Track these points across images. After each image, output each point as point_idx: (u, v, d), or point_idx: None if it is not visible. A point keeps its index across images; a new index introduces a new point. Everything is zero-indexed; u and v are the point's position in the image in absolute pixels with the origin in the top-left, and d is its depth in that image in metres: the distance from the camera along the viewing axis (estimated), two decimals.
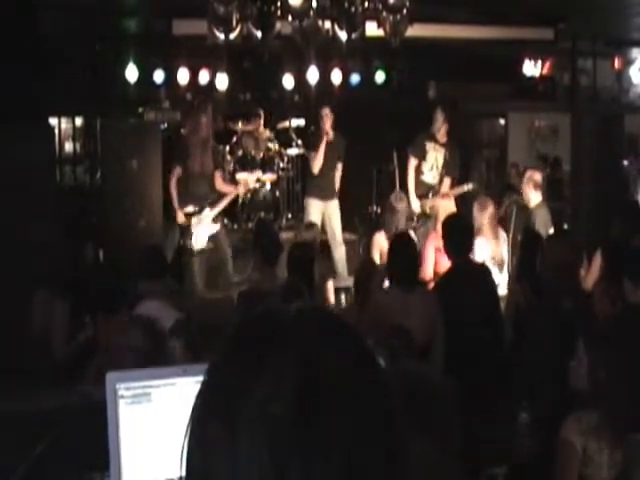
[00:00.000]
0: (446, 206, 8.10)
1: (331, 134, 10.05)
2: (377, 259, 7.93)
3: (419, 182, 9.78)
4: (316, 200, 10.13)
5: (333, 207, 10.08)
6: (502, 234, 8.16)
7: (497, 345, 5.64)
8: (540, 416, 4.86)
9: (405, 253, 5.79)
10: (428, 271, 7.50)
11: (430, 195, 9.72)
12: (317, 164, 10.02)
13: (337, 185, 10.17)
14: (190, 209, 9.38)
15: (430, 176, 9.84)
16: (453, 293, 5.76)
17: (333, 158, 10.07)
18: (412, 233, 8.32)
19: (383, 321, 5.41)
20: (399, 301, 5.56)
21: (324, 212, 10.02)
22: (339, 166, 10.13)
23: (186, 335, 4.29)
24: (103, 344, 5.70)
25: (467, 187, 9.80)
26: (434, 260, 7.58)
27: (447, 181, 9.78)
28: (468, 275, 5.94)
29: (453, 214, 7.53)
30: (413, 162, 9.82)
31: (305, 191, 10.64)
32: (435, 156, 9.81)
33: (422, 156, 9.79)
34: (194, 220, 9.35)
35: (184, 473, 0.96)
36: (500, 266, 7.67)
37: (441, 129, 9.76)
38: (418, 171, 9.82)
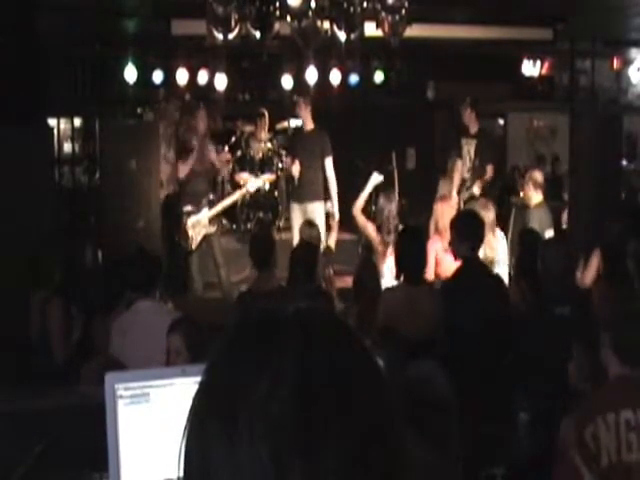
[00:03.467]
0: (447, 208, 8.09)
1: (310, 125, 9.84)
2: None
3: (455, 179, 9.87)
4: (296, 204, 9.69)
5: (314, 209, 9.56)
6: (499, 234, 8.16)
7: (500, 344, 5.64)
8: (539, 416, 4.87)
9: (412, 248, 5.79)
10: (429, 272, 7.51)
11: (466, 189, 9.74)
12: (294, 168, 9.70)
13: (331, 182, 9.65)
14: (189, 208, 9.41)
15: (464, 170, 9.90)
16: (461, 290, 5.75)
17: (315, 155, 9.67)
18: None
19: (391, 317, 5.43)
20: (406, 296, 5.58)
21: (306, 215, 9.43)
22: (328, 162, 9.65)
23: (186, 333, 4.29)
24: (101, 344, 5.72)
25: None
26: (436, 261, 7.58)
27: (489, 169, 9.74)
28: (477, 273, 5.93)
29: (466, 211, 7.54)
30: (459, 164, 9.89)
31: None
32: (467, 149, 9.90)
33: (460, 155, 9.86)
34: (191, 219, 9.39)
35: (182, 473, 0.96)
36: (493, 266, 7.67)
37: (470, 121, 9.87)
38: (461, 171, 9.87)
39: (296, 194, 9.89)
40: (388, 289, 6.07)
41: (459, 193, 9.73)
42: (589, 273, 7.09)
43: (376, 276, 6.99)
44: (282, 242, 9.76)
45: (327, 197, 9.76)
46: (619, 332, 3.27)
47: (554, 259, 5.48)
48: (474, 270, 5.91)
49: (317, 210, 9.57)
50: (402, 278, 5.85)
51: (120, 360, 5.15)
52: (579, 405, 3.24)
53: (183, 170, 9.36)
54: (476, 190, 9.66)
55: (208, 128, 9.64)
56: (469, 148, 9.95)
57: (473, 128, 9.95)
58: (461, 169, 9.93)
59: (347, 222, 11.26)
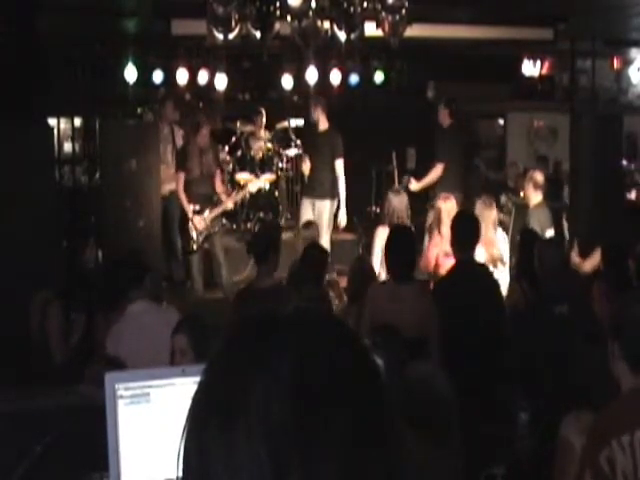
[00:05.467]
0: (449, 208, 8.10)
1: (323, 125, 9.98)
2: (379, 252, 7.90)
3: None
4: (307, 199, 10.04)
5: (323, 206, 9.83)
6: (501, 234, 8.16)
7: (497, 344, 5.64)
8: (539, 416, 4.87)
9: (400, 247, 5.80)
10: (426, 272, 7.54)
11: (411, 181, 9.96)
12: (305, 165, 10.15)
13: (340, 184, 9.86)
14: (191, 208, 9.46)
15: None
16: (455, 291, 5.76)
17: (325, 155, 9.85)
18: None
19: (375, 313, 5.44)
20: (391, 294, 5.56)
21: (315, 211, 9.82)
22: (338, 163, 9.83)
23: (191, 332, 4.28)
24: (102, 343, 5.71)
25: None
26: (437, 263, 7.57)
27: (439, 166, 9.86)
28: (471, 273, 5.94)
29: (462, 211, 7.56)
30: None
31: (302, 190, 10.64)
32: None
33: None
34: (194, 220, 9.43)
35: (181, 474, 0.96)
36: (495, 266, 7.67)
37: (444, 119, 10.06)
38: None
39: (306, 190, 10.21)
40: (374, 286, 6.07)
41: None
42: (590, 262, 7.11)
43: (370, 276, 6.96)
44: (282, 242, 9.77)
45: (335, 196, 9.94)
46: (631, 340, 3.12)
47: (551, 259, 5.50)
48: (468, 271, 5.92)
49: (325, 207, 9.81)
50: (388, 275, 5.89)
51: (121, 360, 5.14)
52: (593, 425, 3.14)
53: (180, 181, 9.48)
54: (413, 186, 9.75)
55: (209, 141, 9.64)
56: None
57: (445, 125, 10.12)
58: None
59: (348, 223, 11.26)
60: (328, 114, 10.04)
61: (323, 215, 9.71)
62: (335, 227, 9.96)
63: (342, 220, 9.84)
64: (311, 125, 10.38)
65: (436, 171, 9.84)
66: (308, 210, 9.87)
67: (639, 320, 3.16)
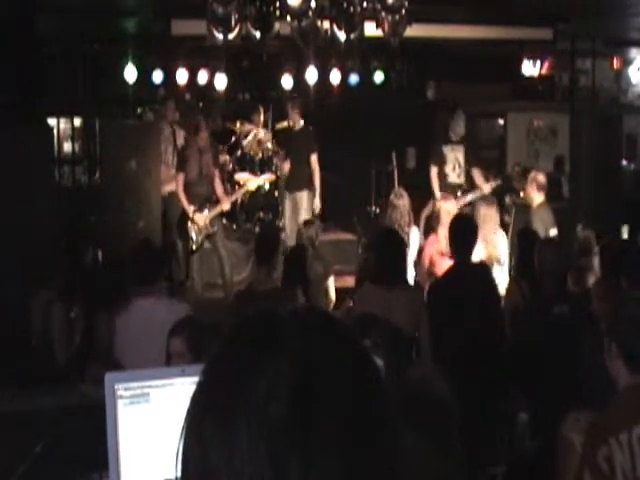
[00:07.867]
0: (448, 208, 8.09)
1: (298, 125, 10.50)
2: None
3: (445, 185, 9.70)
4: (287, 192, 10.58)
5: (301, 197, 10.38)
6: (501, 234, 8.16)
7: (496, 344, 5.64)
8: (539, 416, 4.87)
9: (387, 250, 5.79)
10: (421, 273, 7.54)
11: (459, 193, 9.68)
12: (285, 166, 10.71)
13: (315, 177, 10.33)
14: (192, 208, 9.46)
15: (454, 176, 9.85)
16: (452, 293, 5.76)
17: (302, 152, 10.37)
18: (415, 229, 8.43)
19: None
20: (380, 297, 5.55)
21: (295, 203, 10.39)
22: (313, 158, 10.31)
23: (189, 335, 4.26)
24: (104, 343, 5.70)
25: (495, 183, 9.75)
26: (433, 262, 7.57)
27: (477, 172, 9.76)
28: (468, 275, 5.94)
29: (460, 215, 7.55)
30: (434, 169, 9.79)
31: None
32: (454, 156, 9.81)
33: (442, 161, 9.78)
34: (193, 219, 9.43)
35: (180, 474, 0.96)
36: (496, 265, 7.66)
37: (458, 130, 9.80)
38: (441, 176, 9.78)
39: (287, 184, 10.75)
40: (362, 289, 6.06)
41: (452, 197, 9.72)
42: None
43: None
44: (282, 242, 9.77)
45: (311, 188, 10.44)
46: (627, 339, 3.11)
47: (550, 259, 5.50)
48: (466, 272, 5.91)
49: (303, 197, 10.41)
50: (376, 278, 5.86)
51: (122, 359, 5.13)
52: (591, 424, 3.14)
53: (179, 182, 9.52)
54: (475, 195, 9.67)
55: (209, 143, 9.66)
56: (456, 154, 9.80)
57: (457, 136, 9.83)
58: (440, 175, 9.82)
59: (348, 223, 11.29)
60: (303, 114, 10.52)
61: (303, 204, 10.35)
62: (313, 214, 10.16)
63: (316, 207, 10.36)
64: (289, 126, 10.97)
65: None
66: (288, 202, 10.51)
67: (635, 319, 3.16)
